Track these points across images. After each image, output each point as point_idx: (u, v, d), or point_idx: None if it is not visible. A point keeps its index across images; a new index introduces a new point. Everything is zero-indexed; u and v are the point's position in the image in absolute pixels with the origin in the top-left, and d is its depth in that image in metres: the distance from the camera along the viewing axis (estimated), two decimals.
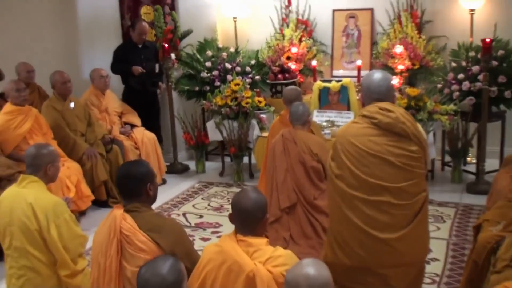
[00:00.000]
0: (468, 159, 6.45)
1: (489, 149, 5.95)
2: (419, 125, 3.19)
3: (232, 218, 2.80)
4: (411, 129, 3.02)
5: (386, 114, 3.01)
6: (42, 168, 3.48)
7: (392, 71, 6.54)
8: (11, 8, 6.57)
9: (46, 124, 5.39)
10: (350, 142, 3.05)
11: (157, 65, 6.57)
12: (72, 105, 5.74)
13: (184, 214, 5.37)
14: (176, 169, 6.78)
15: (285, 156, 4.35)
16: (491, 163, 5.90)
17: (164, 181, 6.38)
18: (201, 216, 5.31)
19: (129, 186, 3.05)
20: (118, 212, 3.01)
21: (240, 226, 2.76)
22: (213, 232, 4.91)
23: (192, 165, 6.86)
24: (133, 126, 6.34)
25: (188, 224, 5.12)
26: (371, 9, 6.94)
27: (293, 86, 5.11)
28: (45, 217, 3.33)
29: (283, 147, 4.38)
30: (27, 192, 3.41)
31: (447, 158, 6.20)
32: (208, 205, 5.62)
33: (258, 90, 6.60)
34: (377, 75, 3.16)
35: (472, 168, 6.10)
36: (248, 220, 2.73)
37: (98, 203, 5.67)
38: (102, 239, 3.01)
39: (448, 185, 5.96)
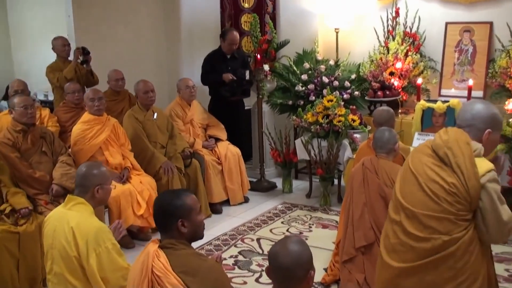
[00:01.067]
0: None
1: None
2: (480, 163, 2.59)
3: (269, 273, 2.35)
4: (456, 159, 2.60)
5: (441, 136, 2.73)
6: (90, 190, 3.23)
7: (509, 93, 5.76)
8: (116, 16, 6.67)
9: (125, 134, 5.22)
10: (410, 155, 2.89)
11: (247, 72, 6.21)
12: (155, 116, 5.54)
13: (258, 240, 4.97)
14: (262, 187, 6.40)
15: (364, 188, 3.82)
16: None
17: (246, 200, 6.03)
18: None
19: (160, 219, 2.71)
20: (152, 248, 2.68)
21: (277, 285, 2.31)
22: None
23: (280, 183, 6.45)
24: (218, 139, 6.04)
25: (260, 252, 4.71)
26: (490, 23, 6.16)
27: (385, 107, 4.55)
28: (85, 244, 3.06)
29: (363, 178, 3.85)
30: (71, 215, 3.17)
31: None
32: (287, 230, 5.18)
33: (354, 107, 6.06)
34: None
35: None
36: (287, 279, 2.28)
37: None
38: (134, 276, 2.69)
39: None
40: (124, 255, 3.18)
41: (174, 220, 2.65)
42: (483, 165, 2.59)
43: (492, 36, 6.13)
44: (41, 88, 7.94)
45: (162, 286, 2.55)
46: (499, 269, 4.25)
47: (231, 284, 2.97)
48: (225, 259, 4.58)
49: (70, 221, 3.12)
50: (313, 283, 2.34)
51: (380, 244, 2.85)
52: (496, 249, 4.62)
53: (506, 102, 5.74)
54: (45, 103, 7.44)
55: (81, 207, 3.22)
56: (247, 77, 6.19)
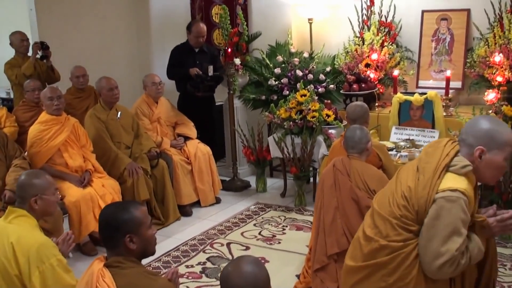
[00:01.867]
0: None
1: None
2: (451, 179, 2.33)
3: None
4: (425, 164, 2.43)
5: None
6: (27, 201, 2.95)
7: (488, 83, 5.54)
8: (82, 8, 6.40)
9: (86, 135, 4.92)
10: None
11: (210, 67, 5.89)
12: (119, 114, 5.25)
13: (228, 244, 4.70)
14: (235, 186, 6.13)
15: (335, 191, 3.55)
16: None
17: (218, 200, 5.75)
18: (247, 248, 4.62)
19: (105, 234, 2.44)
20: (97, 267, 2.41)
21: None
22: None
23: (254, 181, 6.17)
24: (187, 138, 5.75)
25: (229, 258, 4.44)
26: (467, 10, 5.92)
27: (359, 102, 4.30)
28: (27, 261, 2.78)
29: (334, 180, 3.57)
30: (11, 229, 2.89)
31: None
32: (259, 233, 4.91)
33: (328, 101, 5.80)
34: None
35: None
36: None
37: None
38: None
39: None
40: (71, 271, 2.90)
41: (121, 235, 2.39)
42: (452, 182, 2.32)
43: (469, 24, 5.90)
44: (3, 85, 7.59)
45: None
46: None
47: None
48: (192, 266, 4.31)
49: (10, 236, 2.84)
50: None
51: None
52: None
53: (485, 93, 5.53)
54: (7, 101, 7.09)
55: (23, 220, 2.94)
56: (211, 72, 5.87)
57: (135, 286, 2.33)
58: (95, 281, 2.34)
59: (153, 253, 2.54)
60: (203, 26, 6.03)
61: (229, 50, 5.94)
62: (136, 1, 7.06)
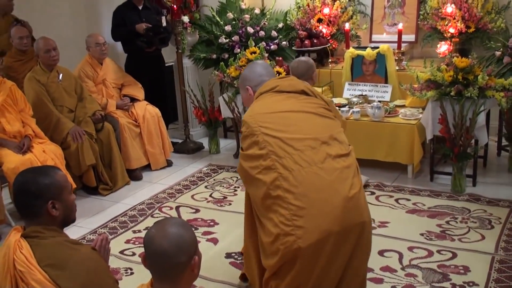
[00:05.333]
0: None
1: None
2: None
3: (145, 261, 1.95)
4: None
5: None
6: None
7: (441, 35, 5.44)
8: None
9: (24, 99, 4.66)
10: None
11: (163, 18, 5.62)
12: (60, 77, 5.00)
13: (177, 208, 4.56)
14: (188, 148, 5.97)
15: None
16: None
17: (169, 163, 5.59)
18: (197, 211, 4.49)
19: (24, 202, 2.27)
20: (14, 238, 2.24)
21: (156, 276, 1.92)
22: (205, 233, 4.08)
23: (207, 143, 6.03)
24: (134, 100, 5.53)
25: None
26: None
27: (303, 58, 4.14)
28: None
29: None
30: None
31: (505, 142, 5.10)
32: (210, 195, 4.78)
33: (280, 58, 5.64)
34: None
35: None
36: (166, 266, 1.88)
37: (88, 190, 4.98)
38: None
39: (504, 175, 4.89)
40: None
41: (43, 202, 2.23)
42: None
43: None
44: None
45: (27, 283, 2.14)
46: (431, 225, 4.00)
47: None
48: (139, 231, 4.17)
49: None
50: (198, 270, 1.95)
51: None
52: (428, 202, 4.38)
53: (438, 45, 5.44)
54: None
55: None
56: (164, 23, 5.62)
57: (55, 256, 2.17)
58: (11, 253, 2.19)
59: (73, 220, 2.39)
60: None
61: (175, 7, 5.70)
62: None
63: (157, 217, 4.40)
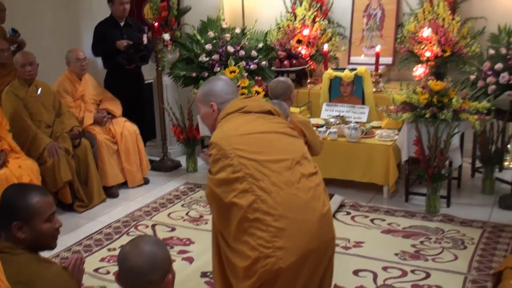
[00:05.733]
0: (506, 163, 5.42)
1: None
2: None
3: (119, 279, 1.95)
4: None
5: None
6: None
7: (418, 58, 5.54)
8: None
9: (1, 113, 4.63)
10: None
11: (144, 35, 5.67)
12: (39, 91, 4.98)
13: (153, 226, 4.55)
14: (165, 166, 5.96)
15: None
16: None
17: (146, 181, 5.57)
18: (173, 229, 4.48)
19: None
20: None
21: None
22: (180, 252, 4.07)
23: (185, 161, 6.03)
24: (112, 116, 5.52)
25: None
26: None
27: (282, 78, 4.17)
28: None
29: None
30: None
31: (479, 163, 5.18)
32: (186, 214, 4.78)
33: (259, 78, 5.69)
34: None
35: (508, 175, 5.06)
36: (140, 285, 1.88)
37: (63, 206, 4.94)
38: None
39: (477, 196, 4.97)
40: None
41: (9, 220, 2.20)
42: None
43: None
44: None
45: None
46: (406, 245, 4.04)
47: None
48: (114, 249, 4.15)
49: None
50: None
51: None
52: (403, 223, 4.43)
53: (414, 68, 5.53)
54: None
55: None
56: (145, 41, 5.66)
57: (24, 274, 2.15)
58: None
59: (50, 248, 2.34)
60: None
61: (156, 24, 5.73)
62: None
63: (132, 235, 4.37)
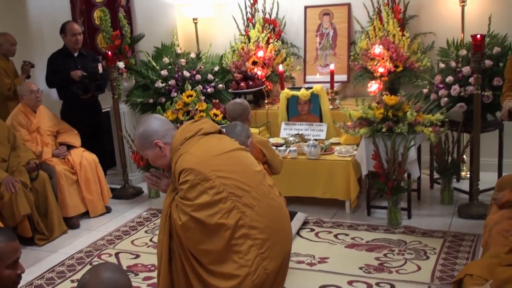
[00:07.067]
0: (463, 173, 5.55)
1: (486, 161, 5.11)
2: None
3: None
4: None
5: None
6: None
7: (371, 75, 5.66)
8: None
9: None
10: None
11: (99, 65, 5.66)
12: None
13: (117, 254, 4.48)
14: (127, 193, 5.90)
15: None
16: (489, 178, 4.96)
17: (108, 210, 5.49)
18: (137, 256, 4.42)
19: None
20: None
21: None
22: (145, 278, 4.03)
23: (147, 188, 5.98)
24: (71, 147, 5.45)
25: None
26: (348, 4, 6.04)
27: (238, 100, 4.21)
28: None
29: None
30: None
31: (437, 175, 5.29)
32: (150, 240, 4.73)
33: (217, 101, 5.72)
34: None
35: (465, 185, 5.17)
36: None
37: (23, 241, 4.82)
38: None
39: (437, 207, 5.06)
40: None
41: None
42: None
43: (351, 18, 6.03)
44: None
45: None
46: (370, 258, 4.08)
47: None
48: (77, 281, 4.05)
49: None
50: None
51: None
52: (366, 236, 4.47)
53: (369, 84, 5.65)
54: None
55: None
56: (101, 70, 5.63)
57: None
58: None
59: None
60: (76, 23, 5.79)
61: (110, 53, 5.72)
62: (12, 5, 6.61)
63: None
